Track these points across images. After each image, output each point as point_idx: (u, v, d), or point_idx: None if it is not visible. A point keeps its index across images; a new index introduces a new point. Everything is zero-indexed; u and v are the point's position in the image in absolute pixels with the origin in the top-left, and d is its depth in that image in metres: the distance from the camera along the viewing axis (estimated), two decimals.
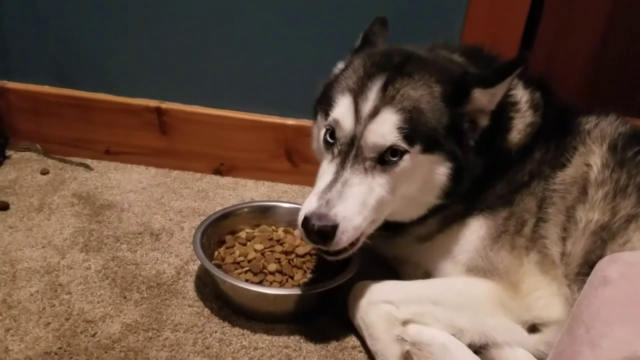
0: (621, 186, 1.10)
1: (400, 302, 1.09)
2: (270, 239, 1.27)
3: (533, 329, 1.10)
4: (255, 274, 1.18)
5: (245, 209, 1.32)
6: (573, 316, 1.00)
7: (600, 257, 1.03)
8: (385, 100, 1.03)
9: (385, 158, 1.02)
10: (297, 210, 1.26)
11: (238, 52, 1.56)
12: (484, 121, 1.09)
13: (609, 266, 1.01)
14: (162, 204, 1.50)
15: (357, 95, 1.05)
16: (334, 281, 1.13)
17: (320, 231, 0.98)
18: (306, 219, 0.99)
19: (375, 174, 1.03)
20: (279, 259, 1.22)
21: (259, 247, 1.24)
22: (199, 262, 1.28)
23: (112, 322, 1.10)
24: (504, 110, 1.15)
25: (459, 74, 1.08)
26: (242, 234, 1.29)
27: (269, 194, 1.61)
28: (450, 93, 1.05)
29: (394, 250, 1.26)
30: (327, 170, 1.04)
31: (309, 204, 1.01)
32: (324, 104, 1.09)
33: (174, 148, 1.65)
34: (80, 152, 1.65)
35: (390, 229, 1.20)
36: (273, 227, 1.31)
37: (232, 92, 1.61)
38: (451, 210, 1.16)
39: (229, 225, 1.29)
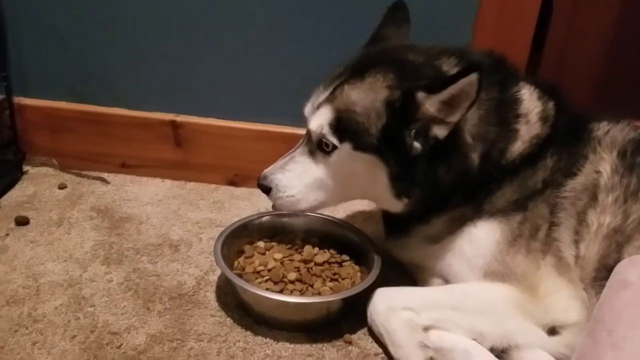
0: (632, 190, 1.12)
1: (420, 309, 1.10)
2: (289, 248, 1.28)
3: (552, 331, 1.11)
4: (275, 283, 1.19)
5: (263, 219, 1.34)
6: (594, 319, 1.01)
7: (617, 260, 1.04)
8: (329, 98, 1.13)
9: (324, 147, 1.13)
10: (314, 219, 1.32)
11: (250, 64, 1.58)
12: (439, 132, 1.08)
13: (628, 269, 1.02)
14: (179, 215, 1.51)
15: (322, 89, 1.16)
16: (354, 289, 1.15)
17: (260, 186, 1.21)
18: (259, 177, 1.21)
19: (316, 158, 1.16)
20: (298, 267, 1.23)
21: (278, 256, 1.25)
22: (218, 272, 1.30)
23: (136, 333, 1.11)
24: (507, 122, 1.17)
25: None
26: (261, 244, 1.30)
27: None
28: (396, 98, 1.07)
29: (408, 254, 1.28)
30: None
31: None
32: None
33: (189, 160, 1.67)
34: (96, 166, 1.67)
35: (398, 230, 1.24)
36: (290, 236, 1.32)
37: (245, 104, 1.63)
38: (458, 212, 1.18)
39: (247, 235, 1.31)
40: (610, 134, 1.20)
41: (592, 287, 1.08)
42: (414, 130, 1.08)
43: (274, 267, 1.22)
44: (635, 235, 1.07)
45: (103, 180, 1.63)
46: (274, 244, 1.30)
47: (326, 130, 1.12)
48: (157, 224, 1.46)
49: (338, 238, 1.31)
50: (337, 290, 1.19)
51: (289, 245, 1.29)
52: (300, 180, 1.18)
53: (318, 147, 1.15)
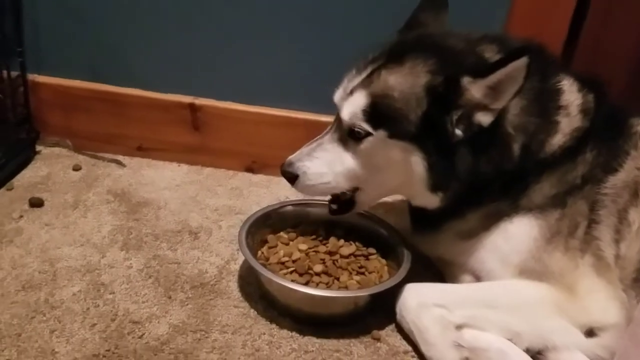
0: None
1: (453, 306, 1.06)
2: (314, 239, 1.24)
3: (589, 332, 1.07)
4: (300, 275, 1.15)
5: (287, 208, 1.30)
6: (636, 322, 0.98)
7: None
8: (364, 82, 1.08)
9: (356, 135, 1.08)
10: None
11: (272, 47, 1.53)
12: (484, 118, 1.03)
13: None
14: (198, 201, 1.47)
15: (355, 74, 1.11)
16: (385, 284, 1.11)
17: (284, 174, 1.14)
18: (283, 163, 1.15)
19: (347, 146, 1.11)
20: (324, 259, 1.19)
21: (303, 247, 1.21)
22: (240, 262, 1.26)
23: (158, 323, 1.07)
24: (548, 113, 1.13)
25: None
26: (284, 234, 1.26)
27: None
28: (438, 83, 1.03)
29: (438, 249, 1.24)
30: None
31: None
32: None
33: (207, 145, 1.62)
34: (111, 148, 1.62)
35: (427, 224, 1.20)
36: (314, 227, 1.28)
37: (266, 89, 1.58)
38: (494, 206, 1.14)
39: (271, 224, 1.27)
40: None
41: (633, 288, 1.05)
42: (456, 117, 1.03)
43: (299, 259, 1.18)
44: None
45: (119, 162, 1.59)
46: (297, 234, 1.26)
47: (360, 117, 1.07)
48: (176, 210, 1.42)
49: (363, 230, 1.27)
50: (364, 284, 1.15)
51: (313, 236, 1.25)
52: (329, 168, 1.12)
53: (349, 135, 1.10)
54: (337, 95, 1.14)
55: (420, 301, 1.08)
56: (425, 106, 1.04)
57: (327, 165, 1.12)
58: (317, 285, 1.13)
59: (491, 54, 1.10)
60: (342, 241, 1.23)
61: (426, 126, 1.04)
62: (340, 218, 1.27)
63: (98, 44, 1.55)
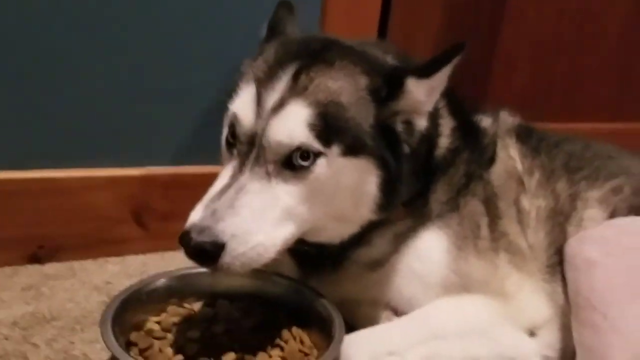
0: (548, 170, 1.12)
1: (404, 349, 0.90)
2: (199, 321, 0.92)
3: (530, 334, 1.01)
4: None
5: (147, 290, 0.94)
6: (580, 306, 0.95)
7: (565, 241, 1.03)
8: (295, 90, 0.85)
9: (294, 162, 0.84)
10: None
11: (41, 84, 1.13)
12: (421, 123, 0.94)
13: (585, 248, 1.00)
14: None
15: (263, 84, 0.86)
16: (330, 353, 0.84)
17: (198, 249, 0.77)
18: (185, 233, 0.78)
19: (282, 180, 0.84)
20: (224, 340, 0.88)
21: (194, 334, 0.88)
22: None
23: None
24: (433, 116, 1.05)
25: (390, 65, 0.96)
26: (154, 326, 0.90)
27: (123, 272, 1.20)
28: (379, 85, 0.89)
29: (341, 288, 1.02)
30: (223, 174, 0.85)
31: (193, 215, 0.80)
32: (229, 99, 0.90)
33: None
34: None
35: (320, 262, 1.00)
36: (185, 304, 0.96)
37: (42, 145, 1.16)
38: (401, 225, 1.01)
39: (131, 318, 0.89)
40: (501, 121, 1.20)
41: (551, 274, 1.04)
42: (401, 125, 0.90)
43: (196, 352, 0.85)
44: (572, 212, 1.08)
45: None
46: (172, 320, 0.92)
47: (306, 134, 0.82)
48: None
49: (248, 291, 1.00)
50: (290, 358, 0.88)
51: (194, 316, 0.93)
52: (264, 216, 0.82)
53: (285, 165, 0.84)
54: (249, 114, 0.85)
55: (371, 353, 0.88)
56: (374, 112, 0.88)
57: (259, 213, 0.81)
58: None
59: (379, 53, 0.99)
60: (235, 312, 0.95)
61: (379, 136, 0.88)
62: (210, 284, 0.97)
63: None
